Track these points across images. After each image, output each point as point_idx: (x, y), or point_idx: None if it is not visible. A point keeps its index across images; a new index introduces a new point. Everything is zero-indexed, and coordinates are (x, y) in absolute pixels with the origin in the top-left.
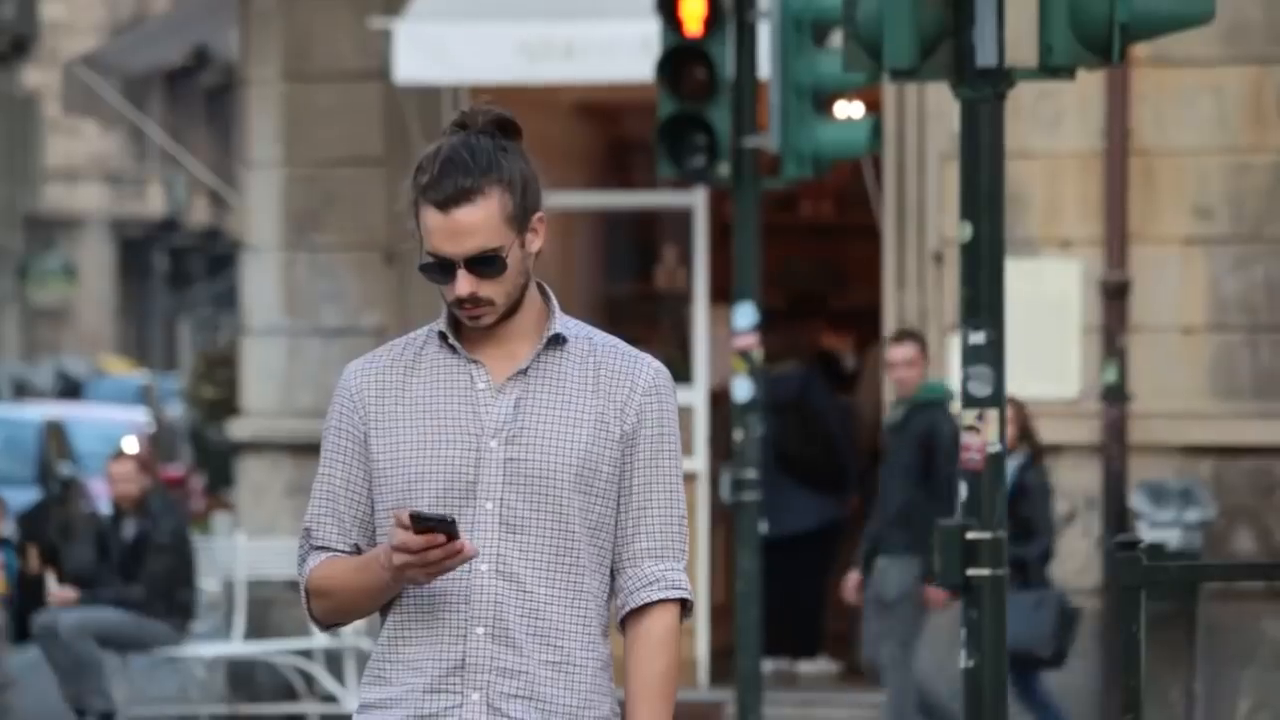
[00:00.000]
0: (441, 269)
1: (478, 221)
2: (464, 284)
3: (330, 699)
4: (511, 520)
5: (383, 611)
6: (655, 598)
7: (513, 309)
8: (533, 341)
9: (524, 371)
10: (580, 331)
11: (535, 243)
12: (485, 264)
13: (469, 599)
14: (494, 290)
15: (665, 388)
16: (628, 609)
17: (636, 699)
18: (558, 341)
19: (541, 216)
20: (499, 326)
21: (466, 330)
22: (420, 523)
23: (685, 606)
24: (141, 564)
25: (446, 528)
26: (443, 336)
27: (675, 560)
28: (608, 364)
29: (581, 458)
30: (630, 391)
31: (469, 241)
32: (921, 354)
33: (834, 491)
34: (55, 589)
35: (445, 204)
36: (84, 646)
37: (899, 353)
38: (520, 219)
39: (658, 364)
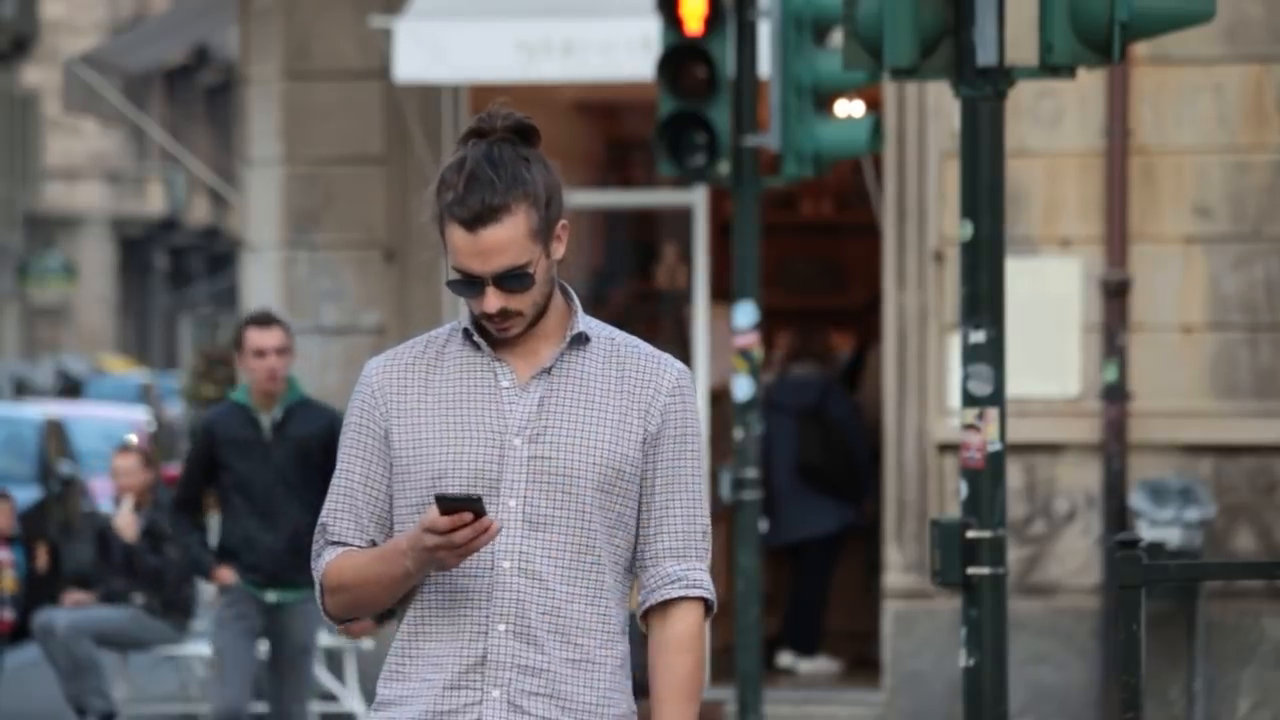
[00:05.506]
0: (469, 285)
1: (504, 240)
2: (492, 300)
3: (330, 697)
4: (534, 518)
5: (400, 608)
6: (676, 594)
7: (539, 314)
8: (556, 341)
9: (548, 370)
10: (603, 331)
11: (560, 250)
12: (513, 280)
13: (491, 596)
14: (522, 303)
15: (688, 389)
16: (648, 605)
17: (662, 699)
18: (581, 341)
19: (565, 224)
20: None
21: None
22: (447, 503)
23: (708, 607)
24: (143, 559)
25: (473, 506)
26: (466, 334)
27: (697, 560)
28: (631, 364)
29: (605, 456)
30: (655, 393)
31: (496, 260)
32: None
33: (852, 498)
34: (73, 593)
35: (472, 224)
36: (81, 646)
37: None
38: (545, 231)
39: (681, 365)
